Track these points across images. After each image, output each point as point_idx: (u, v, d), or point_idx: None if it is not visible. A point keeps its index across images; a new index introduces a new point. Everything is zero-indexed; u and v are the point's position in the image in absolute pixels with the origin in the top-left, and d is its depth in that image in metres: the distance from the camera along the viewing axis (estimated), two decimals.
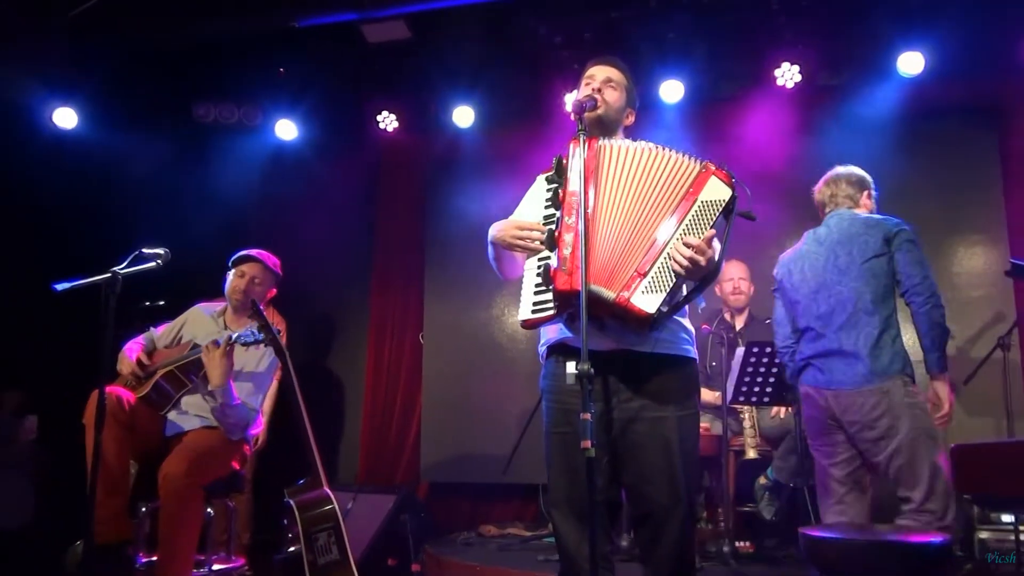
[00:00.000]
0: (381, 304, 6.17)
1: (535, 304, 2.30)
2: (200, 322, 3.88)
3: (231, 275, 3.87)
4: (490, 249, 2.54)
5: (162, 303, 4.15)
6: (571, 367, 2.13)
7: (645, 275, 2.22)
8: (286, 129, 5.85)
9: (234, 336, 3.54)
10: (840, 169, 3.54)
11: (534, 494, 5.38)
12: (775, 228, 5.40)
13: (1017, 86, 4.97)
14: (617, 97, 2.57)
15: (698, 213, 2.26)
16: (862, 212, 3.45)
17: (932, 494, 3.02)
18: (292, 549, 3.21)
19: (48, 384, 5.14)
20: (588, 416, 2.04)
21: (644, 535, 2.38)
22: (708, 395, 4.60)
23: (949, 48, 4.78)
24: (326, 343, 6.28)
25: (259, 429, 4.52)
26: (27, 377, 5.48)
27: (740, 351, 4.12)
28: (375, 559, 4.54)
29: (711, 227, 2.25)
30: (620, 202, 2.31)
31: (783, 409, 4.47)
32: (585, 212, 2.21)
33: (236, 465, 3.77)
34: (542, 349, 2.53)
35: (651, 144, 2.37)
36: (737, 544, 4.20)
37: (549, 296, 2.26)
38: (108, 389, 3.36)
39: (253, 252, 3.89)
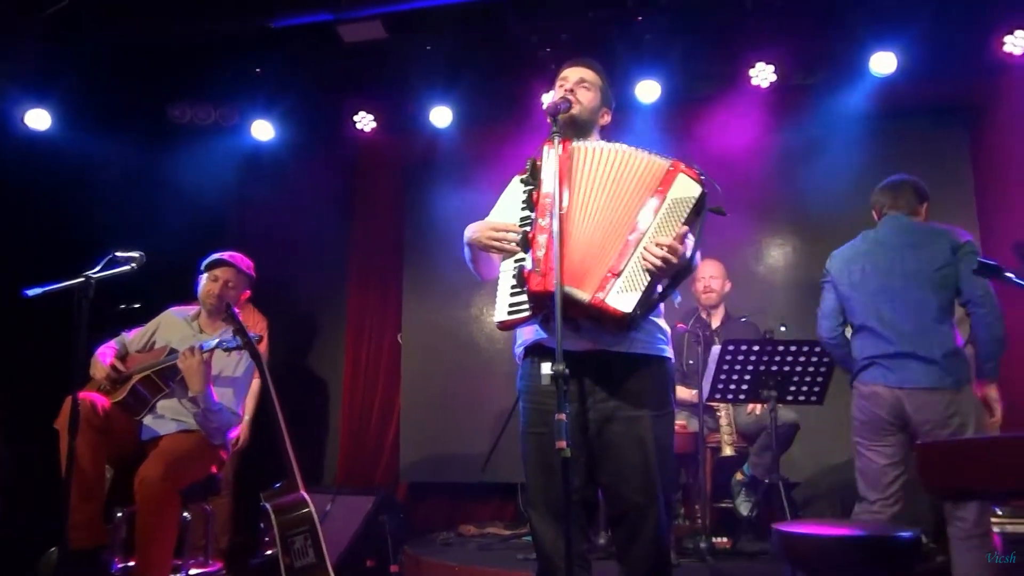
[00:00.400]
0: (359, 305, 6.16)
1: (510, 306, 2.32)
2: (174, 326, 3.86)
3: (204, 279, 3.85)
4: (466, 250, 2.55)
5: (137, 306, 4.12)
6: (546, 368, 2.14)
7: (619, 275, 2.24)
8: (263, 130, 5.81)
9: (213, 343, 3.53)
10: (905, 176, 3.64)
11: (513, 493, 5.39)
12: (750, 227, 5.46)
13: (987, 85, 5.04)
14: (591, 98, 2.60)
15: (669, 211, 2.28)
16: (918, 220, 3.55)
17: None
18: (269, 553, 3.20)
19: (20, 389, 5.07)
20: (563, 417, 2.05)
21: (620, 534, 2.40)
22: (685, 393, 4.64)
23: (920, 48, 4.84)
24: (304, 344, 6.25)
25: (236, 432, 4.50)
26: None
27: (716, 349, 4.16)
28: (354, 561, 4.53)
29: (683, 224, 2.27)
30: (593, 203, 2.33)
31: (759, 406, 4.51)
32: (559, 214, 2.23)
33: (214, 469, 3.76)
34: (518, 350, 2.54)
35: (623, 145, 2.39)
36: (714, 540, 4.24)
37: (524, 297, 2.27)
38: (82, 394, 3.34)
39: (225, 255, 3.87)
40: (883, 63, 4.89)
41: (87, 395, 3.47)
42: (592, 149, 2.39)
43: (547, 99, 2.46)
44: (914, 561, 2.76)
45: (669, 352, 2.49)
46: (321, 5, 4.87)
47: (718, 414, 4.60)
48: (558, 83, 2.62)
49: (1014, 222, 4.79)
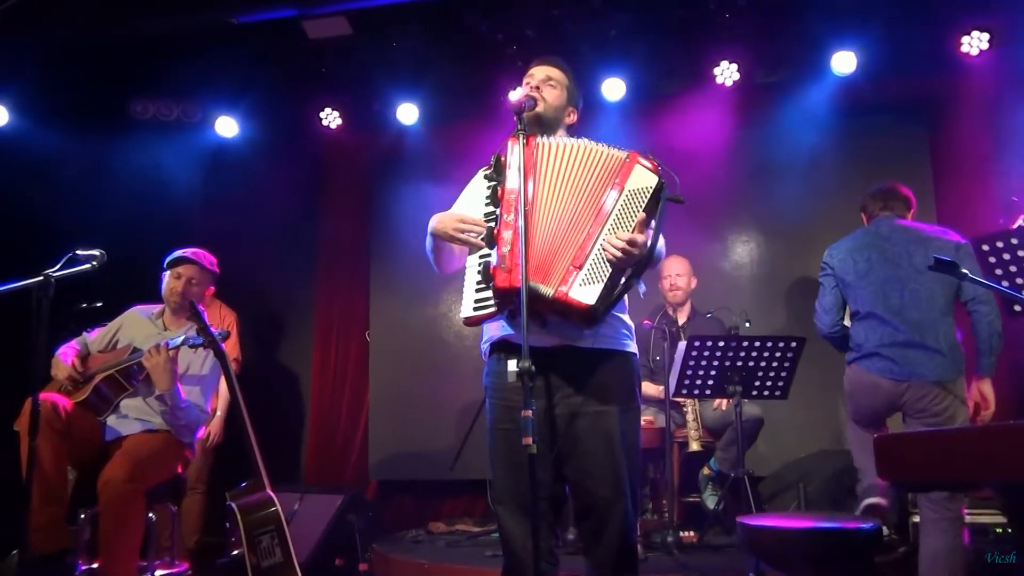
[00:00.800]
0: (327, 302, 6.12)
1: (476, 302, 2.33)
2: (137, 325, 3.82)
3: (167, 277, 3.81)
4: (428, 240, 2.56)
5: (100, 304, 4.06)
6: (512, 365, 2.16)
7: (581, 267, 2.26)
8: (226, 126, 5.75)
9: (179, 341, 3.50)
10: (895, 183, 3.86)
11: (483, 490, 5.39)
12: (716, 223, 5.51)
13: (945, 84, 5.13)
14: (557, 96, 2.61)
15: (627, 202, 2.32)
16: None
17: None
18: (236, 553, 3.18)
19: None
20: (529, 413, 2.07)
21: (587, 528, 2.42)
22: (652, 389, 4.67)
23: (880, 48, 4.93)
24: (271, 342, 6.20)
25: (203, 431, 4.47)
26: None
27: (682, 345, 4.19)
28: (322, 560, 4.51)
29: (642, 213, 2.30)
30: (556, 198, 2.35)
31: (725, 401, 4.56)
32: (524, 209, 2.25)
33: (179, 469, 3.72)
34: (484, 346, 2.55)
35: (585, 140, 2.42)
36: (681, 534, 4.28)
37: (490, 293, 2.29)
38: (43, 396, 3.29)
39: (188, 253, 3.83)
40: (844, 62, 4.97)
41: (48, 396, 3.42)
42: (555, 145, 2.41)
43: (513, 96, 2.46)
44: (875, 552, 2.82)
45: (634, 347, 2.52)
46: (285, 1, 4.83)
47: (685, 410, 4.65)
48: (525, 80, 2.63)
49: (972, 217, 4.89)
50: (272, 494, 3.32)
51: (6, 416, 3.39)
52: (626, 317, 2.52)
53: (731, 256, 5.55)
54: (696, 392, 4.21)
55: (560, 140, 2.45)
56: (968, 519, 3.90)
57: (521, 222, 2.23)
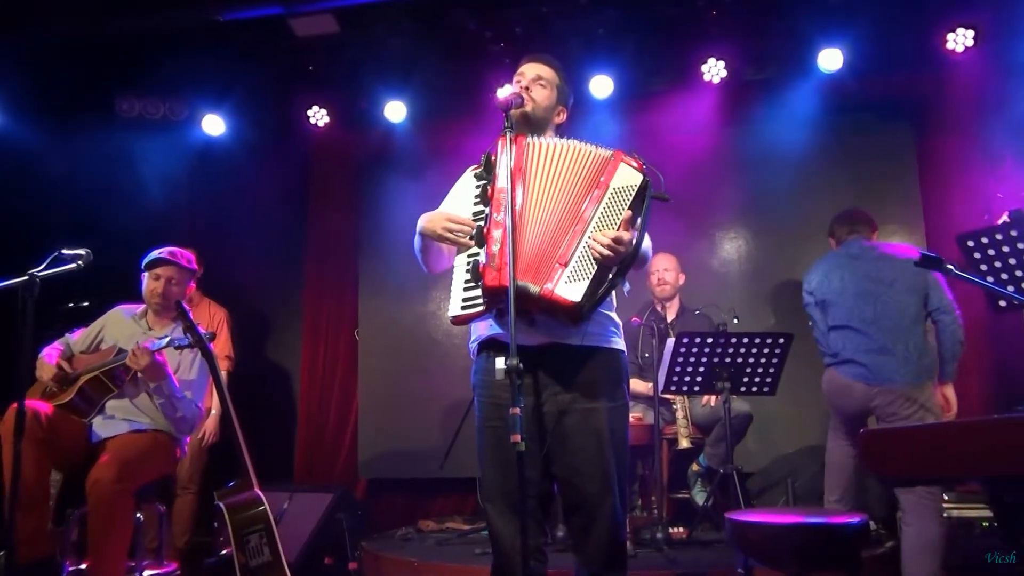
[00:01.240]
0: (315, 301, 6.10)
1: (464, 300, 2.33)
2: (121, 325, 3.79)
3: (146, 278, 3.77)
4: (417, 239, 2.55)
5: (86, 304, 4.03)
6: (500, 363, 2.16)
7: (567, 265, 2.27)
8: (213, 124, 5.72)
9: (163, 343, 3.47)
10: (857, 209, 4.13)
11: (472, 487, 5.38)
12: (704, 220, 5.53)
13: (931, 81, 5.16)
14: (546, 95, 2.60)
15: (612, 199, 2.33)
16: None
17: None
18: (224, 552, 3.17)
19: None
20: (517, 411, 2.08)
21: (575, 525, 2.42)
22: (640, 386, 4.68)
23: (866, 45, 4.96)
24: (260, 341, 6.18)
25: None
26: None
27: (671, 341, 4.21)
28: (312, 559, 4.50)
29: (627, 212, 2.31)
30: (544, 197, 2.35)
31: (713, 398, 4.58)
32: (513, 209, 2.25)
33: (168, 469, 3.70)
34: (473, 345, 2.55)
35: (572, 140, 2.43)
36: (671, 530, 4.29)
37: (478, 292, 2.29)
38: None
39: (164, 253, 3.78)
40: (830, 60, 4.99)
41: (29, 404, 3.36)
42: (543, 144, 2.41)
43: (501, 94, 2.46)
44: (863, 546, 2.84)
45: (621, 344, 2.52)
46: None
47: (674, 406, 4.66)
48: (516, 79, 2.63)
49: (957, 214, 4.92)
50: (260, 493, 3.31)
51: None
52: (614, 314, 2.53)
53: (719, 253, 5.57)
54: (685, 388, 4.22)
55: (548, 140, 2.45)
56: (955, 513, 3.95)
57: (510, 221, 2.23)
